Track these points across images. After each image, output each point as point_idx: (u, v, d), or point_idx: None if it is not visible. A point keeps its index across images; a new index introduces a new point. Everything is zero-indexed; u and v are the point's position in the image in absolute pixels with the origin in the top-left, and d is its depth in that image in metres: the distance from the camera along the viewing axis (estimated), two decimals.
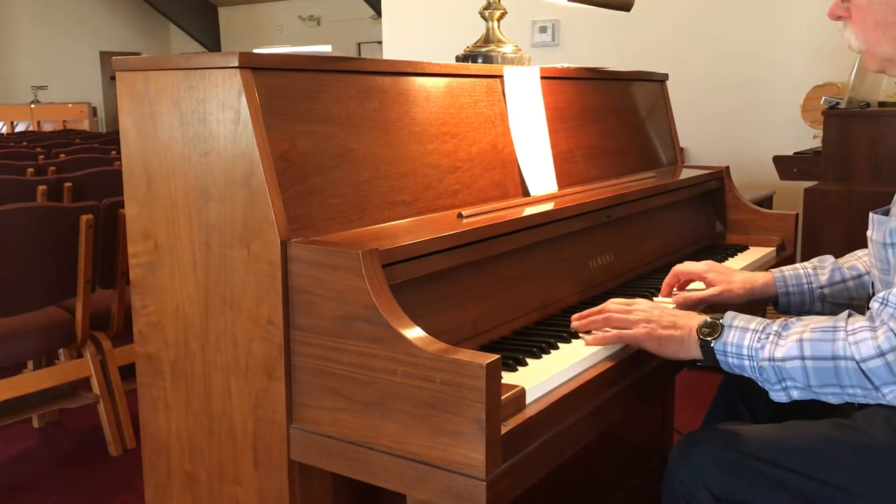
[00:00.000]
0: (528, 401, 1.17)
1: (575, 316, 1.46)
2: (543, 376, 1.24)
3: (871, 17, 1.33)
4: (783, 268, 1.71)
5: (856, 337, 1.20)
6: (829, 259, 1.70)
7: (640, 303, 1.44)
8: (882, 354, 1.17)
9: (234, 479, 1.34)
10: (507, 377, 1.20)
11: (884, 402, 1.21)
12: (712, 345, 1.32)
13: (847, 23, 1.38)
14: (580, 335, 1.44)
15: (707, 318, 1.35)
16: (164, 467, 1.45)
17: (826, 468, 1.30)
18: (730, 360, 1.31)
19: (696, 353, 1.35)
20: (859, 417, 1.37)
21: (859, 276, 1.65)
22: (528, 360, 1.31)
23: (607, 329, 1.41)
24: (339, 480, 1.32)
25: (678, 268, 1.70)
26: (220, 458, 1.35)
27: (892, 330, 1.17)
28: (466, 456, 1.06)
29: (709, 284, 1.66)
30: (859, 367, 1.19)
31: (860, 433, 1.33)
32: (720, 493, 1.34)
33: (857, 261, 1.68)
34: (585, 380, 1.29)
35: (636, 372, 1.42)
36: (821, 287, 1.67)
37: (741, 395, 1.70)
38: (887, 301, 1.21)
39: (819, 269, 1.68)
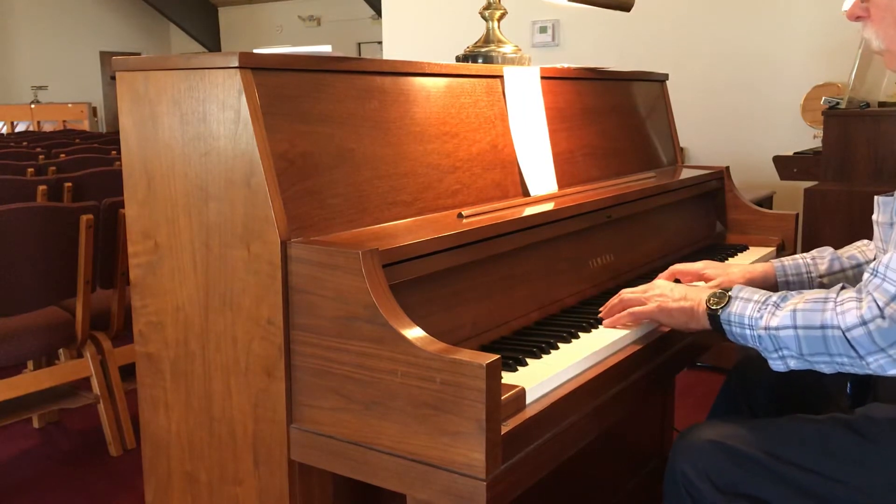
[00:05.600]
0: (528, 401, 1.17)
1: (602, 310, 1.54)
2: (543, 376, 1.24)
3: (891, 14, 1.33)
4: (782, 258, 1.74)
5: (843, 307, 1.23)
6: (827, 249, 1.72)
7: (658, 283, 1.50)
8: (864, 323, 1.20)
9: (234, 480, 1.34)
10: (507, 377, 1.20)
11: (868, 371, 1.23)
12: (719, 314, 1.36)
13: (867, 23, 1.37)
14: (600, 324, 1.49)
15: (716, 290, 1.41)
16: (164, 467, 1.45)
17: (827, 462, 1.31)
18: (734, 329, 1.35)
19: (704, 323, 1.39)
20: (860, 413, 1.38)
21: (858, 265, 1.67)
22: (528, 360, 1.31)
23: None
24: (339, 480, 1.32)
25: (676, 267, 1.73)
26: (221, 458, 1.35)
27: (875, 300, 1.20)
28: (466, 456, 1.06)
29: (708, 280, 1.67)
30: (844, 335, 1.22)
31: (862, 428, 1.34)
32: (722, 484, 1.34)
33: (856, 250, 1.70)
34: (585, 380, 1.29)
35: (636, 371, 1.43)
36: (819, 276, 1.69)
37: (744, 393, 1.70)
38: (876, 271, 1.24)
39: (818, 259, 1.71)
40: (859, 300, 1.23)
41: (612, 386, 1.35)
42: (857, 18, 1.39)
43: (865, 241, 1.71)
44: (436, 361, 1.07)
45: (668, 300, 1.44)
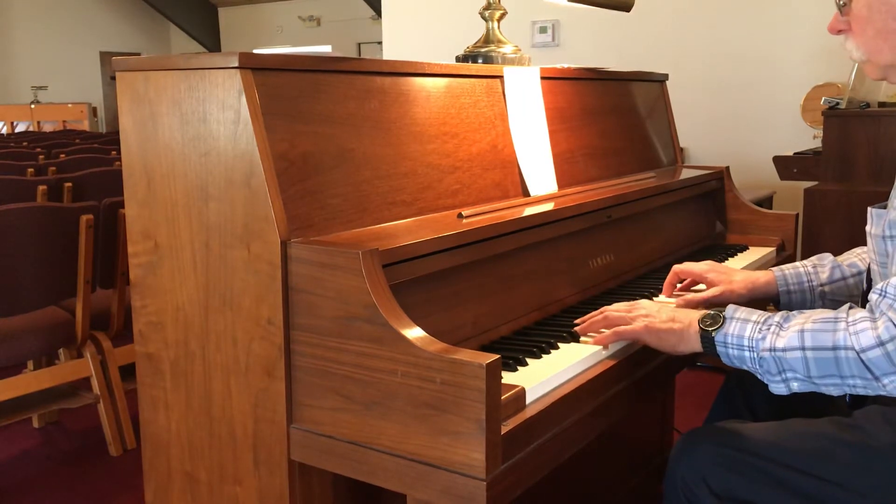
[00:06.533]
0: (528, 401, 1.17)
1: (578, 321, 1.47)
2: (543, 376, 1.24)
3: (871, 26, 1.34)
4: (783, 266, 1.71)
5: (856, 327, 1.20)
6: (828, 257, 1.70)
7: (642, 303, 1.44)
8: (882, 344, 1.17)
9: (234, 480, 1.34)
10: (507, 377, 1.20)
11: (883, 393, 1.20)
12: (713, 335, 1.31)
13: (848, 35, 1.38)
14: (582, 337, 1.44)
15: (709, 311, 1.36)
16: (164, 467, 1.45)
17: (826, 466, 1.31)
18: (730, 351, 1.30)
19: (695, 345, 1.34)
20: (859, 416, 1.38)
21: (859, 273, 1.66)
22: (528, 360, 1.31)
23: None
24: (339, 480, 1.32)
25: (678, 267, 1.70)
26: (220, 458, 1.35)
27: (891, 320, 1.17)
28: (466, 456, 1.06)
29: (710, 285, 1.66)
30: (859, 357, 1.18)
31: (860, 432, 1.33)
32: (721, 490, 1.34)
33: (857, 258, 1.68)
34: (586, 380, 1.29)
35: (636, 372, 1.42)
36: (821, 285, 1.67)
37: (743, 395, 1.70)
38: (885, 292, 1.21)
39: (819, 267, 1.68)
40: (874, 320, 1.19)
41: (612, 386, 1.35)
42: (839, 32, 1.40)
43: (865, 248, 1.70)
44: (436, 361, 1.07)
45: (656, 321, 1.37)
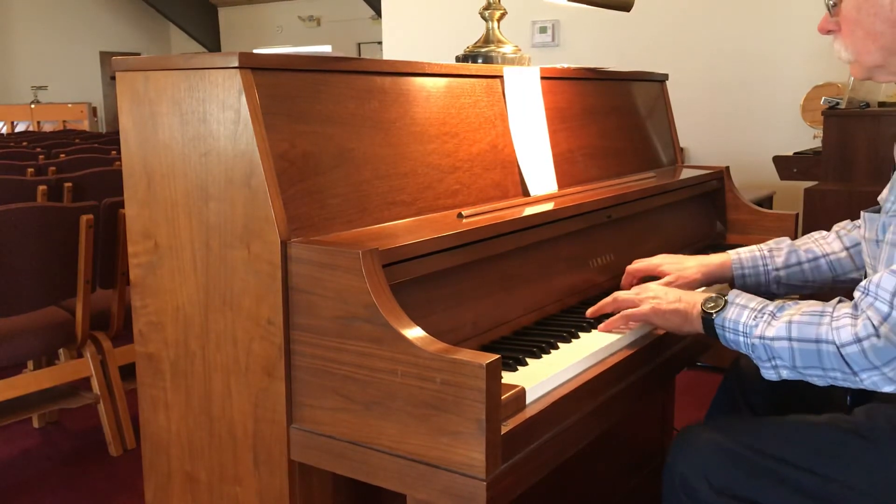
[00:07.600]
0: (528, 401, 1.17)
1: (590, 309, 1.53)
2: (543, 376, 1.24)
3: (860, 28, 1.36)
4: (739, 249, 1.75)
5: (838, 323, 1.24)
6: (785, 241, 1.73)
7: (651, 285, 1.50)
8: (859, 341, 1.21)
9: (234, 480, 1.34)
10: (507, 377, 1.20)
11: (862, 387, 1.24)
12: (713, 318, 1.36)
13: (837, 36, 1.41)
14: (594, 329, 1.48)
15: (712, 294, 1.40)
16: (164, 467, 1.45)
17: (826, 463, 1.31)
18: (727, 334, 1.35)
19: (698, 326, 1.40)
20: (859, 413, 1.38)
21: (815, 258, 1.69)
22: (528, 360, 1.31)
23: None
24: (339, 480, 1.32)
25: (631, 267, 1.73)
26: (220, 458, 1.35)
27: (870, 318, 1.21)
28: (466, 456, 1.06)
29: (663, 275, 1.68)
30: (839, 351, 1.22)
31: (860, 429, 1.34)
32: (720, 485, 1.34)
33: (814, 243, 1.71)
34: (585, 379, 1.29)
35: (637, 371, 1.43)
36: (776, 269, 1.70)
37: (742, 392, 1.71)
38: (867, 290, 1.24)
39: (775, 252, 1.72)
40: (855, 317, 1.23)
41: (612, 386, 1.35)
42: (828, 32, 1.42)
43: (823, 233, 1.73)
44: (436, 361, 1.07)
45: (663, 302, 1.44)
